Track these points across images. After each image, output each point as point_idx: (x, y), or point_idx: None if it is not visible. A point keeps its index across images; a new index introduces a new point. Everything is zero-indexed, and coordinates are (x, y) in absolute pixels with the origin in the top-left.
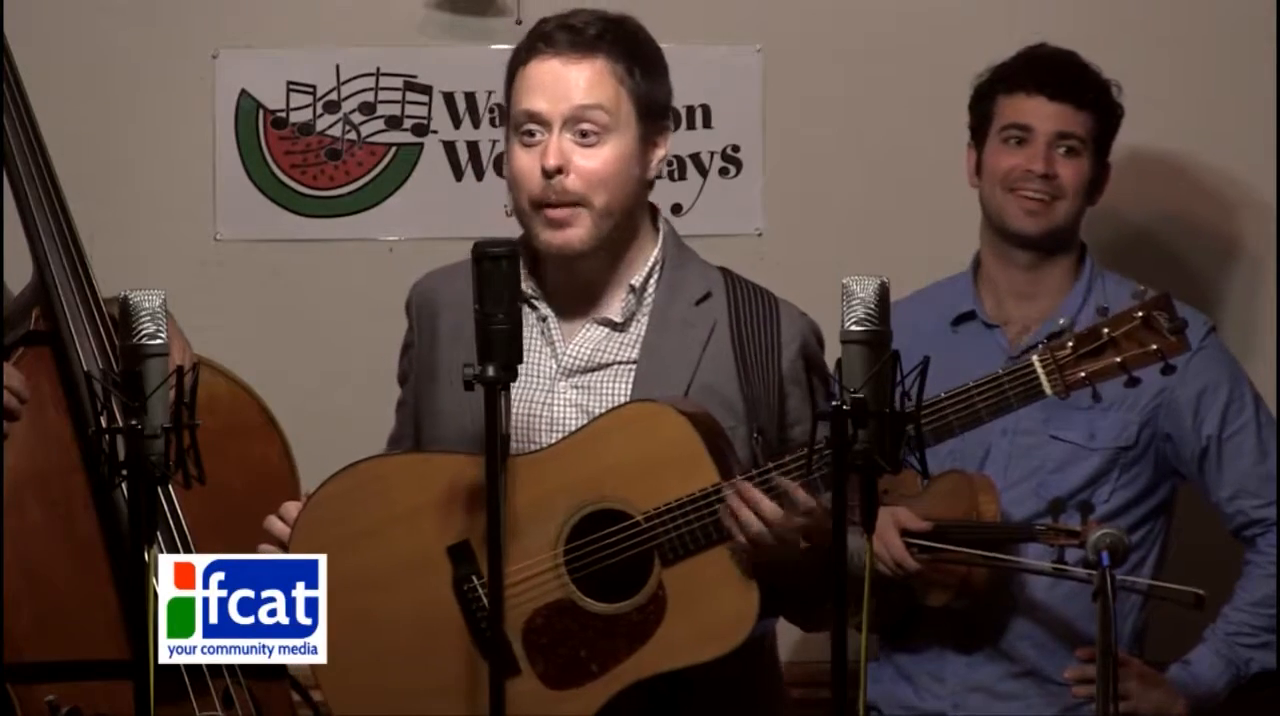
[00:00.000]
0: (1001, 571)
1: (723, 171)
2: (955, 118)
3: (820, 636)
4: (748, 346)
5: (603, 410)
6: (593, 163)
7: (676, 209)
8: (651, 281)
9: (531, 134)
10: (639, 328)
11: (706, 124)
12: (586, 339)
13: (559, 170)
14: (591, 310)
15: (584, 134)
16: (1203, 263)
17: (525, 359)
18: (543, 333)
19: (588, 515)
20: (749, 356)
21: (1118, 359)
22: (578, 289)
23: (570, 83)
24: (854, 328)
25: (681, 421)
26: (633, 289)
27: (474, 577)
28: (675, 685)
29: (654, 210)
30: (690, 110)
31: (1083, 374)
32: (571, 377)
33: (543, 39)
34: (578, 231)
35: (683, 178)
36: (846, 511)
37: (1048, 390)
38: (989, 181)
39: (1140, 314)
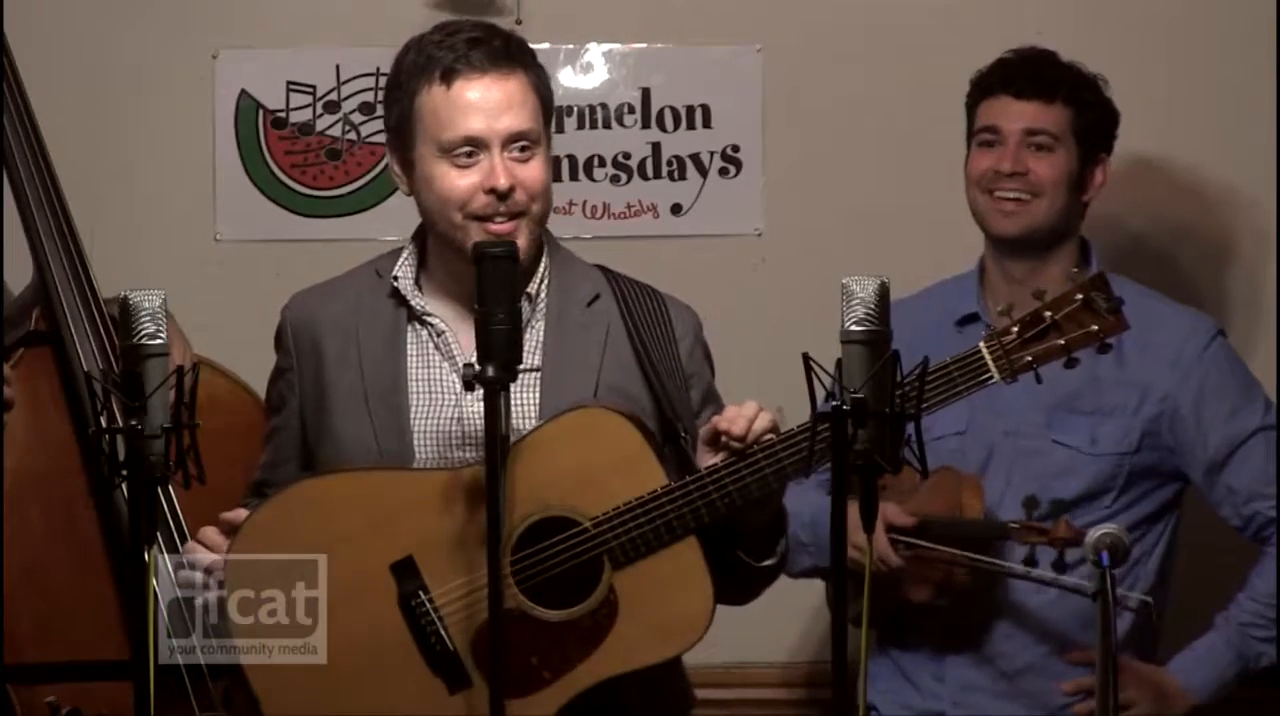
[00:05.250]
0: (985, 571)
1: (723, 171)
2: (955, 118)
3: (820, 636)
4: (649, 344)
5: (513, 420)
6: (531, 172)
7: (676, 209)
8: (543, 286)
9: (470, 155)
10: (535, 334)
11: (706, 124)
12: None
13: (511, 189)
14: None
15: (523, 149)
16: (1202, 265)
17: (425, 376)
18: (438, 347)
19: (534, 524)
20: (652, 354)
21: (1060, 341)
22: (471, 300)
23: (503, 103)
24: (854, 328)
25: (625, 424)
26: (529, 296)
27: (420, 593)
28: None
29: None
30: (690, 110)
31: (1029, 358)
32: (476, 390)
33: (461, 60)
34: (520, 242)
35: (683, 178)
36: (846, 514)
37: (996, 375)
38: (969, 186)
39: (1080, 296)
